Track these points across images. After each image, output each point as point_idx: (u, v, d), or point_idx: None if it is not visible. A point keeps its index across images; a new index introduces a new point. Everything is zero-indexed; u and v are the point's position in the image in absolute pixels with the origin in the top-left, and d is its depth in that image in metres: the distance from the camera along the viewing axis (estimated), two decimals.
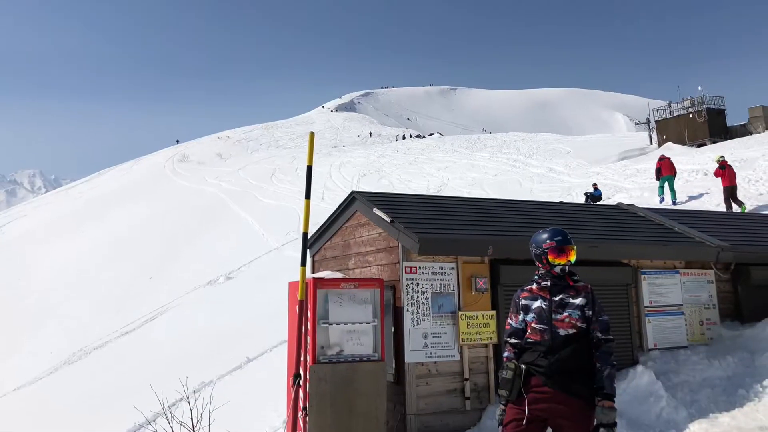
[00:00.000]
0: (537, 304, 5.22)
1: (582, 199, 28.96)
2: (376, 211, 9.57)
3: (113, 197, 67.14)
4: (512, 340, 5.33)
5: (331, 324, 8.19)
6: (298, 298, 7.73)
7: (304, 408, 7.72)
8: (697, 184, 27.56)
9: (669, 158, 25.85)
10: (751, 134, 50.07)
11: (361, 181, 52.38)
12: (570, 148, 60.67)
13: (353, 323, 8.31)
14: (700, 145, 50.63)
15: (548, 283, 5.23)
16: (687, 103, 56.27)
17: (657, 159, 26.36)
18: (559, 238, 5.21)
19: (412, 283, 8.93)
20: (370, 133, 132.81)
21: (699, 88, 57.34)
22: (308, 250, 10.37)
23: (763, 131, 50.07)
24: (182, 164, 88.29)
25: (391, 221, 9.16)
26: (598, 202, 26.31)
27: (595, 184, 29.98)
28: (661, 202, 24.57)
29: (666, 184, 24.95)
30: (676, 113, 56.77)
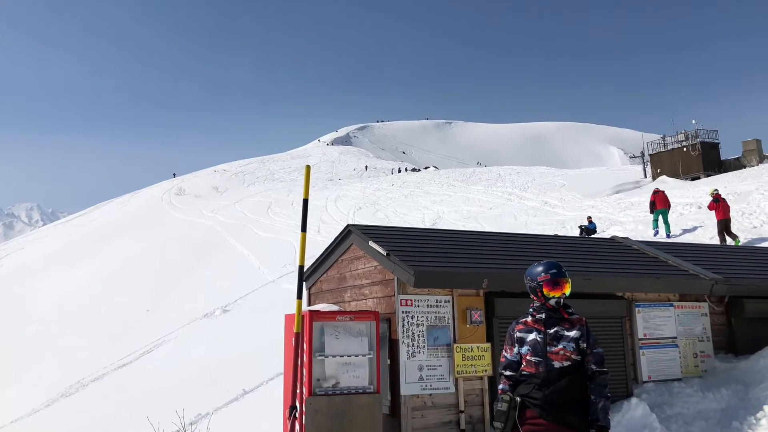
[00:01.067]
0: (532, 336, 5.27)
1: (577, 233, 29.05)
2: (371, 244, 9.63)
3: (110, 230, 67.10)
4: (507, 373, 5.37)
5: (327, 356, 8.22)
6: (294, 330, 7.77)
7: None
8: (691, 217, 27.68)
9: (663, 191, 25.99)
10: (745, 167, 50.37)
11: (357, 215, 52.45)
12: (565, 181, 60.89)
13: (349, 356, 8.34)
14: (694, 179, 50.90)
15: (543, 316, 5.28)
16: (681, 137, 56.65)
17: (651, 192, 26.50)
18: (554, 271, 5.27)
19: (407, 316, 8.98)
20: (366, 167, 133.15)
21: (693, 121, 57.80)
22: (304, 282, 10.43)
23: (757, 165, 50.38)
24: (179, 197, 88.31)
25: (387, 254, 9.23)
26: (592, 235, 26.40)
27: (589, 218, 30.09)
28: (655, 235, 24.66)
29: (660, 218, 25.06)
30: (670, 147, 57.13)
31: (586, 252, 12.41)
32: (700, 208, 28.69)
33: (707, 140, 55.67)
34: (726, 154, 57.20)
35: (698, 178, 51.10)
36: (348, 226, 10.69)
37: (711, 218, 23.73)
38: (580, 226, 29.41)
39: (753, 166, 50.40)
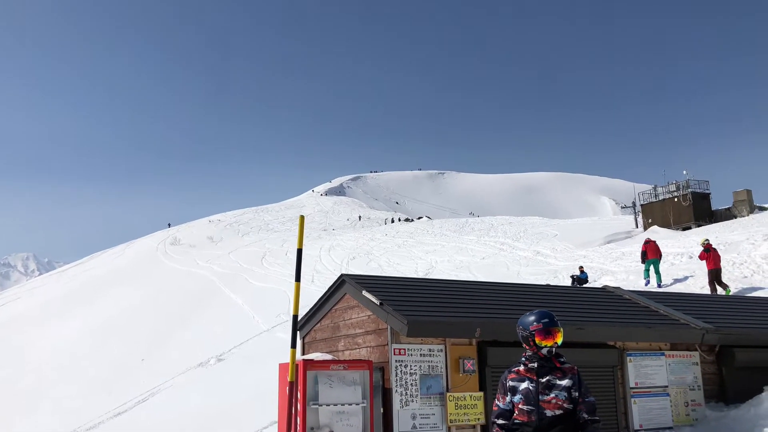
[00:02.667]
0: (524, 385, 5.31)
1: (569, 282, 29.13)
2: (365, 293, 9.74)
3: (106, 280, 67.04)
4: (500, 421, 5.41)
5: (321, 405, 8.28)
6: (288, 379, 7.85)
7: None
8: (682, 267, 27.80)
9: (654, 241, 26.14)
10: (736, 218, 50.68)
11: (351, 264, 52.46)
12: (557, 231, 61.11)
13: (343, 404, 8.40)
14: (685, 229, 51.15)
15: (535, 365, 5.32)
16: (672, 187, 57.06)
17: (643, 242, 26.63)
18: (546, 320, 5.32)
19: (400, 365, 9.05)
20: (360, 217, 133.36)
21: (684, 172, 58.23)
22: (298, 332, 10.50)
23: (747, 215, 50.70)
24: (174, 247, 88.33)
25: (380, 303, 9.33)
26: (584, 285, 26.48)
27: (581, 267, 30.20)
28: (646, 284, 24.74)
29: (651, 267, 25.16)
30: (661, 197, 57.51)
31: (578, 301, 12.53)
32: (691, 258, 28.83)
33: (698, 191, 56.09)
34: (717, 204, 57.63)
35: (689, 228, 51.37)
36: (341, 275, 10.81)
37: (702, 268, 23.85)
38: (572, 276, 29.50)
39: (743, 216, 50.73)
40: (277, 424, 9.55)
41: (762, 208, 54.41)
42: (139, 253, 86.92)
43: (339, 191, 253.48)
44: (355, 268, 48.53)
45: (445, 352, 9.44)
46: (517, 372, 5.41)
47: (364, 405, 8.49)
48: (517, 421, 5.27)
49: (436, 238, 66.08)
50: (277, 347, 25.23)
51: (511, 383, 5.38)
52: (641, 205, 59.82)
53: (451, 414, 9.15)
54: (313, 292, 25.92)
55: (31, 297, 68.18)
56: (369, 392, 8.57)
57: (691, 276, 25.21)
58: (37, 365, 38.25)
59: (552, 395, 5.19)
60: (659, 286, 24.18)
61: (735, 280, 23.45)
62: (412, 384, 9.07)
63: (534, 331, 5.30)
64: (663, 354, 11.41)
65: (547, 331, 5.27)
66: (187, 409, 22.38)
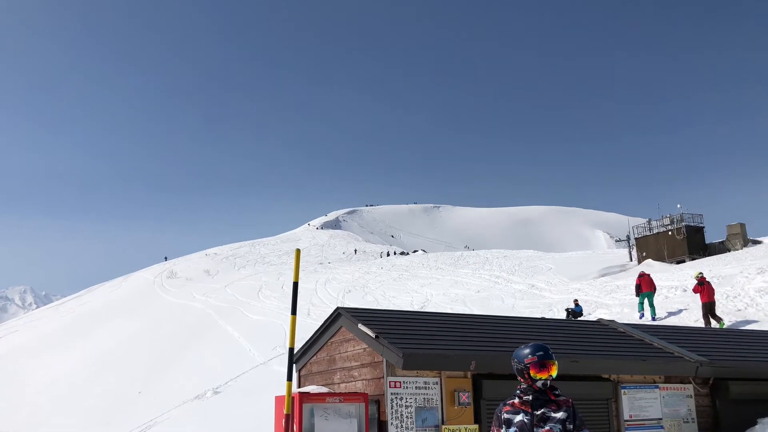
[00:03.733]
0: (519, 418, 5.34)
1: (563, 315, 29.17)
2: (360, 326, 9.81)
3: (103, 313, 67.00)
4: None
5: None
6: (285, 412, 7.89)
7: None
8: (676, 300, 27.89)
9: (648, 275, 26.22)
10: (729, 251, 50.81)
11: (347, 297, 52.45)
12: (551, 264, 61.19)
13: None
14: (679, 262, 51.26)
15: (530, 398, 5.36)
16: (666, 221, 57.24)
17: (637, 275, 26.72)
18: (541, 353, 5.36)
19: (396, 398, 9.10)
20: (355, 250, 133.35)
21: (678, 205, 58.45)
22: (294, 364, 10.55)
23: (741, 248, 50.83)
24: (170, 280, 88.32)
25: (376, 336, 9.40)
26: (579, 318, 26.53)
27: (576, 300, 30.26)
28: (641, 317, 24.80)
29: (646, 300, 25.22)
30: (655, 230, 57.64)
31: (572, 334, 12.60)
32: (685, 291, 28.92)
33: (692, 224, 56.28)
34: (711, 237, 57.75)
35: (683, 261, 51.48)
36: (337, 308, 10.88)
37: (696, 301, 23.94)
38: (567, 309, 29.54)
39: (737, 249, 50.87)
40: None
41: (755, 242, 54.59)
42: (136, 286, 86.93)
43: (335, 225, 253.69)
44: (350, 302, 48.54)
45: (441, 384, 9.48)
46: (512, 405, 5.44)
47: None
48: None
49: (431, 271, 66.12)
50: (273, 380, 25.22)
51: (506, 416, 5.40)
52: (635, 239, 59.96)
53: None
54: (309, 325, 25.88)
55: (29, 330, 68.18)
56: (365, 425, 8.61)
57: (685, 309, 25.29)
58: (34, 397, 38.22)
59: (547, 428, 5.22)
60: (653, 319, 24.24)
61: (729, 313, 23.53)
62: (407, 416, 9.10)
63: (529, 363, 5.33)
64: (657, 387, 11.45)
65: (542, 364, 5.31)
66: None
